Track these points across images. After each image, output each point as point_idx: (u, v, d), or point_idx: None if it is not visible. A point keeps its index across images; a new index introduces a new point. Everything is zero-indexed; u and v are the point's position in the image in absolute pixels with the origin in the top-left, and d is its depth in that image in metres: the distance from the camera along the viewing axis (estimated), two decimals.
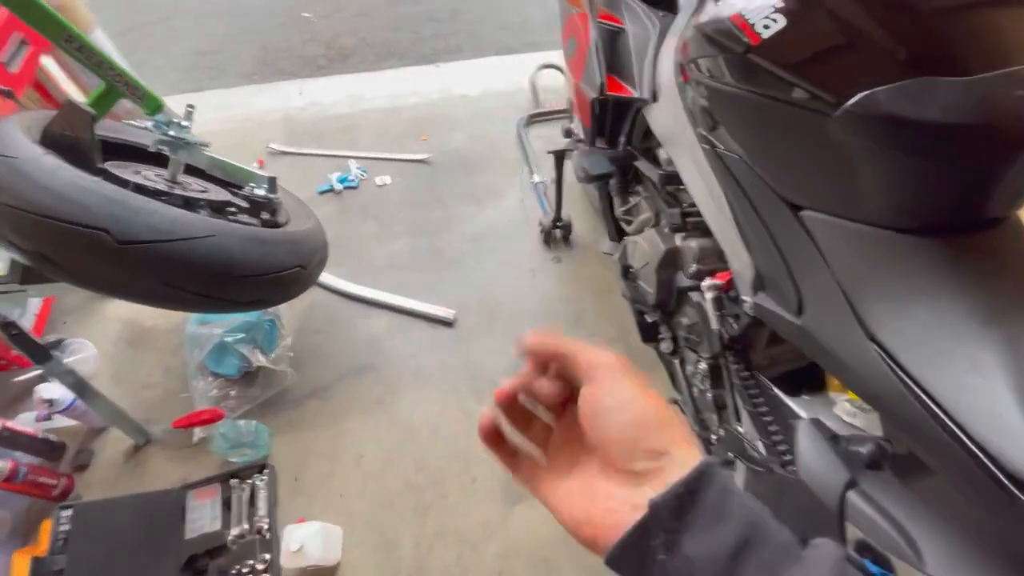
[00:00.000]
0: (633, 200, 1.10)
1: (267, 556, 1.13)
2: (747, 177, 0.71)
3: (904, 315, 0.56)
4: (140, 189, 0.91)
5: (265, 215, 1.06)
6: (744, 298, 0.82)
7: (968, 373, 0.50)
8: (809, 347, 0.71)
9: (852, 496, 0.67)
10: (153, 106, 0.92)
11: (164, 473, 1.27)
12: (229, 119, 2.03)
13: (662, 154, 0.96)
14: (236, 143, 1.94)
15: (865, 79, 0.51)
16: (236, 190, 1.17)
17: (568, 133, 1.34)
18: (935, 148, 0.53)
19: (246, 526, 1.17)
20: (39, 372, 1.28)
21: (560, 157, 1.46)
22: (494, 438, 0.34)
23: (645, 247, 1.01)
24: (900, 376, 0.53)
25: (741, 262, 0.80)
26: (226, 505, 1.20)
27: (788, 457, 0.80)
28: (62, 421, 1.28)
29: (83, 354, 1.38)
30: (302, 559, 1.03)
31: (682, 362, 1.07)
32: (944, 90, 0.49)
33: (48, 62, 1.46)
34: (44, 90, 1.48)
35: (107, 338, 1.46)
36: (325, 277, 1.57)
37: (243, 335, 1.31)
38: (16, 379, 1.31)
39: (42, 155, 0.80)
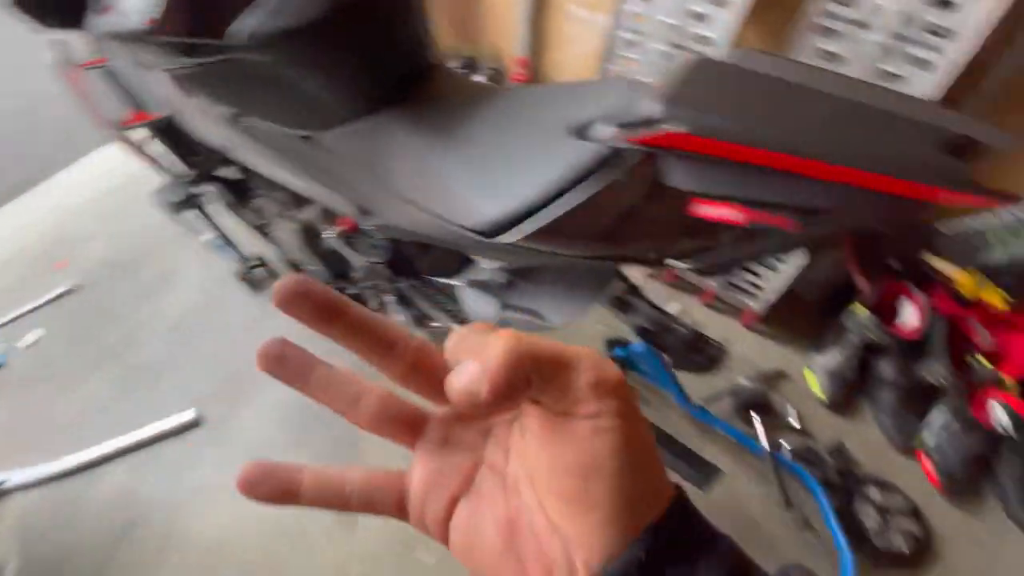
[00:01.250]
0: (256, 205, 1.11)
1: None
2: (261, 130, 0.77)
3: (411, 174, 0.69)
4: None
5: None
6: (366, 228, 0.90)
7: (427, 178, 0.64)
8: (400, 235, 0.82)
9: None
10: None
11: None
12: None
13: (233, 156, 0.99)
14: None
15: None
16: None
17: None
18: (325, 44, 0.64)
19: None
20: None
21: (199, 207, 1.38)
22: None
23: (284, 240, 1.04)
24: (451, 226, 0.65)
25: (336, 203, 0.88)
26: None
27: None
28: None
29: None
30: None
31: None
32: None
33: None
34: None
35: None
36: (19, 476, 1.28)
37: None
38: None
39: None
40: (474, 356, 0.18)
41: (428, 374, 0.22)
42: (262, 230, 1.16)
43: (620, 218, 0.50)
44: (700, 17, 1.14)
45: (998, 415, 1.17)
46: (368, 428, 0.23)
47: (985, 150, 0.39)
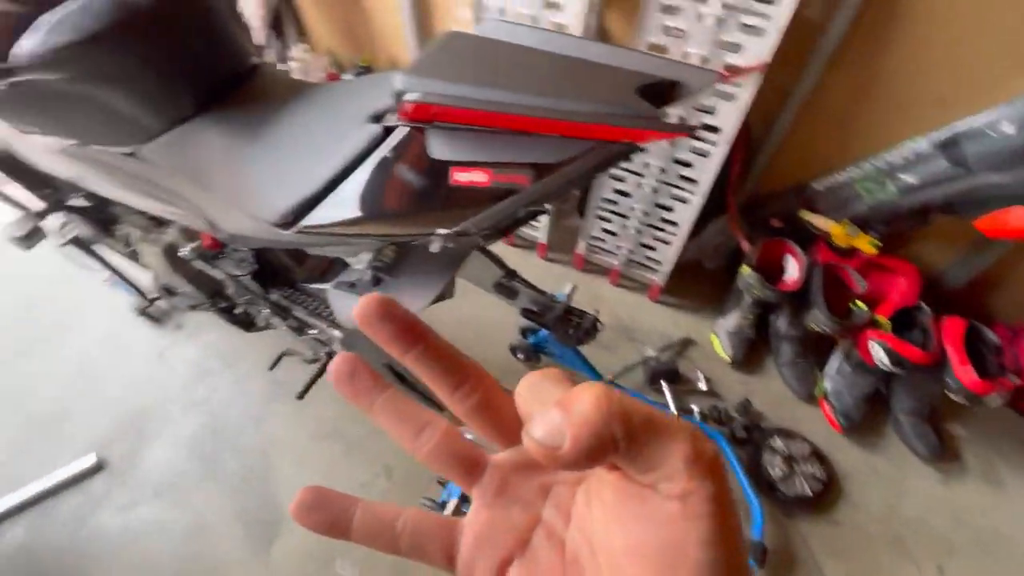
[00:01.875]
0: (120, 234, 1.08)
1: None
2: (102, 157, 0.75)
3: (211, 167, 0.68)
4: None
5: None
6: (224, 238, 0.89)
7: (239, 178, 0.64)
8: (253, 244, 0.81)
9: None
10: None
11: None
12: None
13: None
14: None
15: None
16: None
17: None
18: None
19: None
20: None
21: (79, 242, 1.33)
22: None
23: (153, 265, 1.01)
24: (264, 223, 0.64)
25: (182, 218, 0.86)
26: None
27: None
28: None
29: None
30: None
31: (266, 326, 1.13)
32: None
33: None
34: None
35: None
36: None
37: None
38: None
39: None
40: (557, 406, 0.17)
41: (494, 414, 0.21)
42: (132, 257, 1.12)
43: (400, 194, 0.51)
44: (555, 6, 1.18)
45: (878, 354, 1.24)
46: (425, 462, 0.22)
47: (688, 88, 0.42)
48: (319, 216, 0.54)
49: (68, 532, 1.22)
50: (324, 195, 0.54)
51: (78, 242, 1.35)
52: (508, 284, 0.94)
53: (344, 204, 0.52)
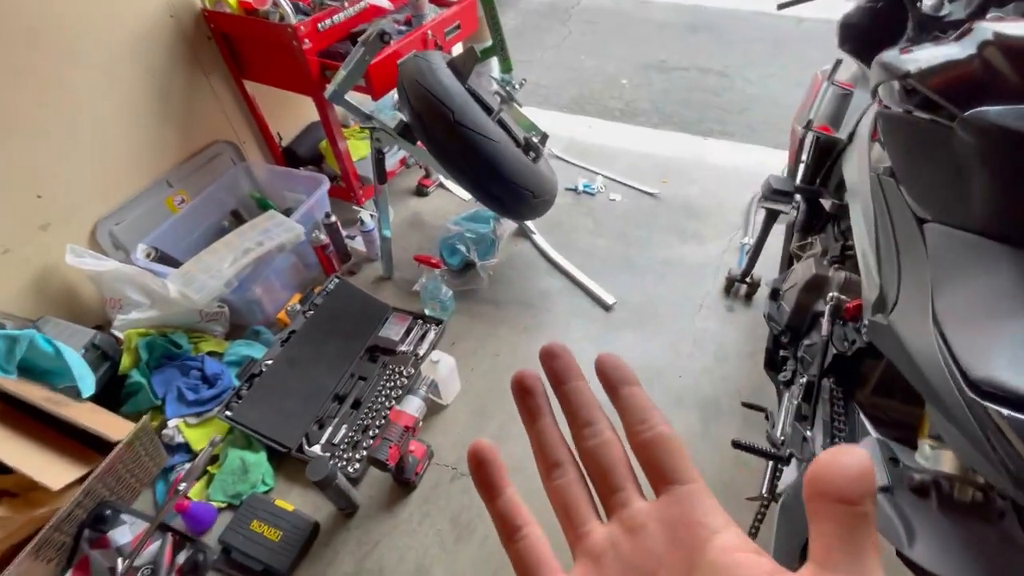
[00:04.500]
0: (810, 238, 1.22)
1: (412, 370, 1.56)
2: (893, 196, 0.84)
3: (968, 306, 0.65)
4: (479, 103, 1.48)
5: (531, 154, 1.55)
6: (864, 322, 0.90)
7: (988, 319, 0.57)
8: (888, 345, 0.78)
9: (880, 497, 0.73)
10: (507, 68, 1.49)
11: (386, 298, 1.84)
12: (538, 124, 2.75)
13: (847, 199, 1.10)
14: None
15: (985, 99, 0.65)
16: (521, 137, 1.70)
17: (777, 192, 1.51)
18: None
19: (411, 349, 1.63)
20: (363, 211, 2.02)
21: (772, 216, 1.61)
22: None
23: (799, 271, 1.13)
24: (948, 362, 0.59)
25: (870, 284, 0.90)
26: (407, 332, 1.69)
27: None
28: (358, 243, 1.98)
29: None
30: (433, 371, 1.41)
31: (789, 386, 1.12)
32: None
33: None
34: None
35: (401, 215, 2.18)
36: (537, 237, 2.02)
37: (473, 238, 1.83)
38: (354, 208, 2.09)
39: (444, 67, 1.42)
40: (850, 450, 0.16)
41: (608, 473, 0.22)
42: (793, 257, 1.28)
43: None
44: None
45: None
46: (549, 495, 0.23)
47: None
48: None
49: (565, 308, 1.78)
50: None
51: (770, 213, 1.63)
52: None
53: None
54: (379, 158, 1.55)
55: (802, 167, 1.18)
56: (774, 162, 2.37)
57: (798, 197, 1.48)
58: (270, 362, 1.50)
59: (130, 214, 1.64)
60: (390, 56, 1.63)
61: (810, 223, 1.21)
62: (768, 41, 3.74)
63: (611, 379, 0.22)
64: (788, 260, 1.30)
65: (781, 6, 1.18)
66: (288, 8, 1.51)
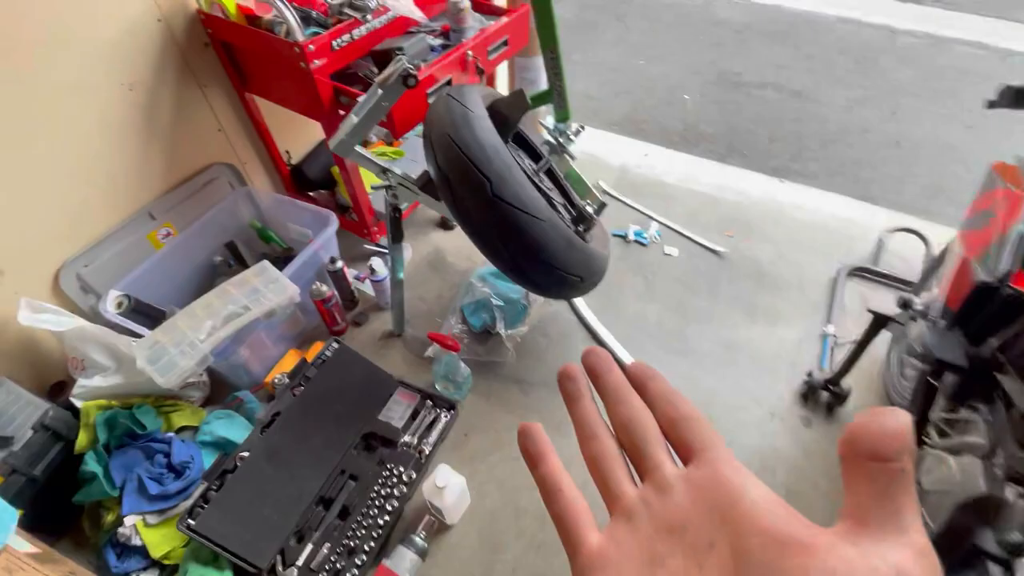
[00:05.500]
0: (964, 414, 0.89)
1: (414, 474, 1.30)
2: None
3: None
4: (521, 168, 1.16)
5: (581, 227, 1.23)
6: None
7: None
8: None
9: None
10: (563, 116, 1.18)
11: (394, 362, 1.57)
12: (584, 148, 2.40)
13: None
14: (579, 166, 2.28)
15: None
16: (572, 198, 1.38)
17: (905, 304, 1.16)
18: None
19: (415, 441, 1.37)
20: (379, 249, 1.74)
21: (881, 322, 1.27)
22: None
23: (955, 472, 0.81)
24: None
25: None
26: (413, 415, 1.42)
27: None
28: (367, 288, 1.71)
29: (405, 253, 1.82)
30: (437, 496, 1.15)
31: None
32: None
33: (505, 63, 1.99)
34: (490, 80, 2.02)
35: (420, 253, 1.90)
36: (578, 300, 1.72)
37: (501, 304, 1.54)
38: (365, 246, 1.82)
39: (484, 116, 1.10)
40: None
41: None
42: (931, 426, 0.94)
43: None
44: None
45: None
46: (587, 464, 0.24)
47: None
48: None
49: None
50: None
51: (878, 320, 1.29)
52: None
53: None
54: (395, 216, 1.25)
55: (970, 319, 0.84)
56: (864, 221, 1.99)
57: (919, 303, 1.14)
58: (246, 454, 1.26)
59: (104, 253, 1.39)
60: (422, 83, 1.32)
61: (968, 390, 0.88)
62: (854, 55, 3.26)
63: (638, 376, 0.25)
64: (921, 430, 0.96)
65: (992, 104, 0.83)
66: (294, 21, 1.21)
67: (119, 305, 1.35)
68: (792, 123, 2.72)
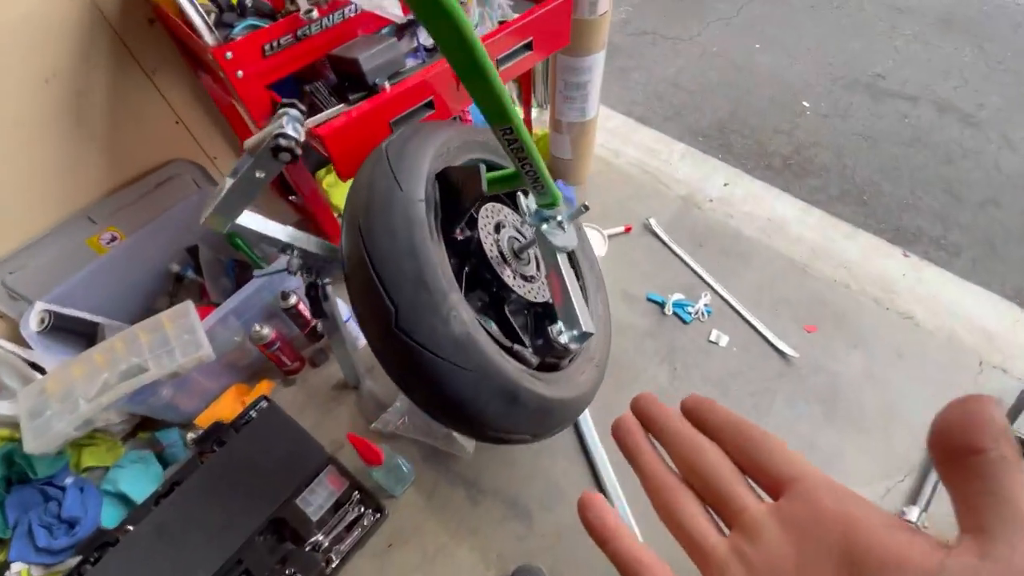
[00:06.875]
0: None
1: None
2: None
3: None
4: (460, 287, 0.80)
5: (550, 359, 0.87)
6: None
7: None
8: None
9: None
10: (548, 201, 0.79)
11: (340, 422, 1.34)
12: (645, 163, 1.92)
13: None
14: (631, 189, 1.82)
15: None
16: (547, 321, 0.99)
17: None
18: None
19: (326, 543, 1.14)
20: None
21: None
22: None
23: None
24: None
25: None
26: (335, 507, 1.19)
27: None
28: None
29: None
30: None
31: None
32: None
33: None
34: None
35: None
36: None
37: None
38: None
39: (416, 200, 0.75)
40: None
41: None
42: None
43: None
44: None
45: None
46: (665, 522, 0.22)
47: None
48: None
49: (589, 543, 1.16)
50: None
51: None
52: None
53: None
54: (312, 295, 0.96)
55: None
56: (1017, 339, 1.40)
57: None
58: (131, 528, 1.10)
59: (32, 260, 1.24)
60: (384, 109, 0.98)
61: None
62: None
63: (694, 409, 0.23)
64: None
65: None
66: (195, 16, 0.88)
67: (41, 322, 1.21)
68: (946, 164, 2.01)
